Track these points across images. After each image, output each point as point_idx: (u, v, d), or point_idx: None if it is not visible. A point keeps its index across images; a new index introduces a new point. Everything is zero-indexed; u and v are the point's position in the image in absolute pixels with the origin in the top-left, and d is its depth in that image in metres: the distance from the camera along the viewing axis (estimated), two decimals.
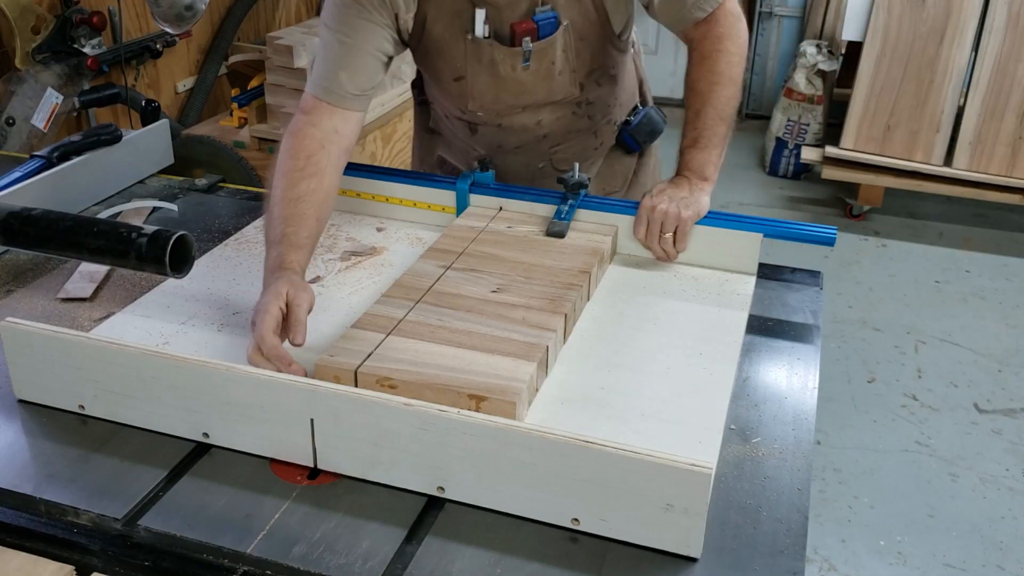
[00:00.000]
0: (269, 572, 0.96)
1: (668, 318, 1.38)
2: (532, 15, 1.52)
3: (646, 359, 1.28)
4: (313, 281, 1.45)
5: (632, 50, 1.78)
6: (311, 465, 1.09)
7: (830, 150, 4.23)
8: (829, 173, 4.26)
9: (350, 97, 1.47)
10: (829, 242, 1.49)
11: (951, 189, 4.13)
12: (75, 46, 2.64)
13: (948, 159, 4.10)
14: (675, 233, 1.48)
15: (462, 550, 1.00)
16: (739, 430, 1.18)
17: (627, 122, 1.79)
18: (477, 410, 1.09)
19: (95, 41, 2.68)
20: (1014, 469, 2.74)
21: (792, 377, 1.30)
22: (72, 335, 1.15)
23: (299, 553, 0.98)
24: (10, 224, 1.24)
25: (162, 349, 1.16)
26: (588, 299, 1.41)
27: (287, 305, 1.20)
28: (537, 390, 1.19)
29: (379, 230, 1.65)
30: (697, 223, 1.49)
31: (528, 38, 1.52)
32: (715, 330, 1.36)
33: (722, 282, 1.49)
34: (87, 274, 1.49)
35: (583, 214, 1.55)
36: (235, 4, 3.31)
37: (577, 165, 1.58)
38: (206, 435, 1.13)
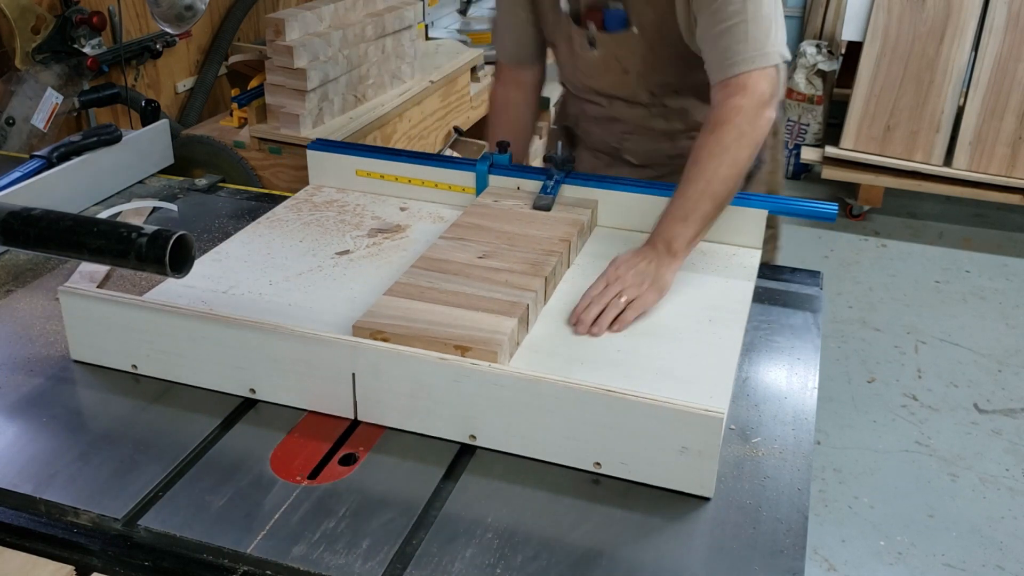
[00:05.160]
0: (269, 572, 0.96)
1: (679, 288, 1.44)
2: (605, 5, 1.59)
3: (659, 325, 1.35)
4: (343, 254, 1.54)
5: None
6: (352, 417, 1.17)
7: (830, 150, 4.23)
8: (829, 173, 4.26)
9: (520, 56, 1.82)
10: (830, 218, 1.55)
11: (951, 189, 4.13)
12: (75, 46, 2.63)
13: (948, 159, 4.10)
14: (627, 306, 1.35)
15: (496, 487, 1.08)
16: (739, 430, 1.18)
17: None
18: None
19: (95, 41, 2.68)
20: (1014, 469, 2.74)
21: (792, 377, 1.30)
22: (127, 299, 1.24)
23: (299, 553, 0.98)
24: (10, 224, 1.24)
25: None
26: (569, 265, 1.50)
27: None
28: (519, 343, 1.27)
29: (402, 209, 1.72)
30: None
31: (592, 23, 1.61)
32: (723, 298, 1.42)
33: (729, 255, 1.55)
34: (87, 274, 1.49)
35: (567, 189, 1.63)
36: (235, 4, 3.31)
37: (559, 144, 1.67)
38: (253, 391, 1.21)
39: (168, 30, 2.53)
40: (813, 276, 1.58)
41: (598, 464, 1.09)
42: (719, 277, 1.48)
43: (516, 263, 1.39)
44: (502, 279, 1.34)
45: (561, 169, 1.64)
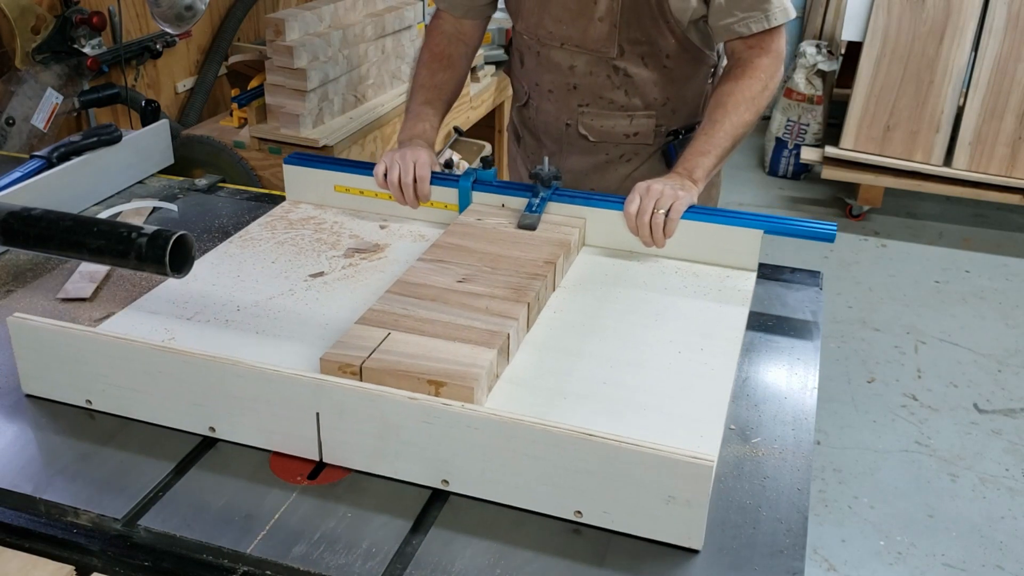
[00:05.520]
0: (269, 572, 0.96)
1: (669, 313, 1.39)
2: None
3: (648, 354, 1.29)
4: (317, 276, 1.47)
5: (713, 71, 1.79)
6: (316, 459, 1.10)
7: (830, 150, 4.23)
8: (829, 173, 4.26)
9: (463, 8, 1.79)
10: (829, 238, 1.49)
11: (951, 189, 4.13)
12: (75, 46, 2.63)
13: (948, 159, 4.10)
14: (666, 215, 1.47)
15: (467, 541, 1.00)
16: (739, 430, 1.18)
17: (676, 133, 1.78)
18: (436, 395, 1.10)
19: (95, 41, 2.68)
20: (1014, 469, 2.74)
21: (792, 377, 1.30)
22: (79, 330, 1.17)
23: (299, 553, 0.98)
24: (10, 224, 1.24)
25: (168, 344, 1.17)
26: (555, 288, 1.44)
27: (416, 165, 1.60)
28: (498, 376, 1.21)
29: (382, 227, 1.66)
30: (698, 219, 1.50)
31: None
32: (716, 325, 1.36)
33: (723, 278, 1.49)
34: (87, 274, 1.49)
35: (553, 207, 1.57)
36: (235, 4, 3.31)
37: (547, 159, 1.60)
38: (212, 429, 1.14)
39: (168, 30, 2.53)
40: (813, 276, 1.58)
41: (579, 513, 1.02)
42: (711, 302, 1.42)
43: (498, 288, 1.33)
44: (482, 306, 1.28)
45: (548, 186, 1.57)
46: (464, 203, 1.62)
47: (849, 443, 2.84)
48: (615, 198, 1.56)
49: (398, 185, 1.60)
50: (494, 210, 1.59)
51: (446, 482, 1.06)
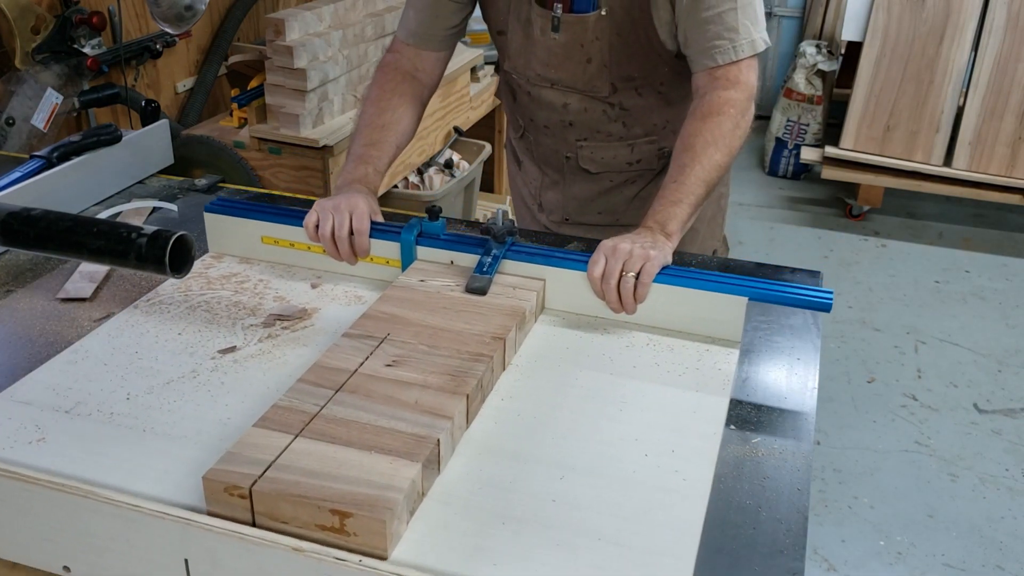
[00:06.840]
0: None
1: (637, 401, 1.20)
2: None
3: (609, 456, 1.09)
4: (227, 351, 1.28)
5: None
6: None
7: (830, 150, 4.23)
8: (829, 173, 4.27)
9: (427, 38, 1.64)
10: (824, 307, 1.31)
11: (951, 189, 4.13)
12: (75, 46, 2.63)
13: (948, 159, 4.10)
14: (637, 278, 1.29)
15: None
16: (739, 430, 1.18)
17: None
18: (341, 528, 0.91)
19: (95, 41, 2.68)
20: (1014, 469, 2.74)
21: (792, 377, 1.30)
22: None
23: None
24: (10, 224, 1.24)
25: (32, 448, 1.04)
26: (504, 367, 1.24)
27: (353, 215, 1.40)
28: (423, 494, 1.00)
29: (314, 287, 1.45)
30: (673, 283, 1.33)
31: (560, 4, 1.52)
32: (690, 418, 1.17)
33: (701, 354, 1.31)
34: (87, 274, 1.49)
35: (509, 264, 1.38)
36: (235, 4, 3.31)
37: (500, 211, 1.41)
38: (67, 569, 0.98)
39: (168, 30, 2.53)
40: (813, 276, 1.57)
41: None
42: (686, 389, 1.22)
43: (433, 373, 1.12)
44: (411, 399, 1.07)
45: (501, 242, 1.38)
46: (407, 259, 1.42)
47: (849, 443, 2.84)
48: (579, 256, 1.36)
49: (331, 239, 1.40)
50: (441, 268, 1.39)
51: None
